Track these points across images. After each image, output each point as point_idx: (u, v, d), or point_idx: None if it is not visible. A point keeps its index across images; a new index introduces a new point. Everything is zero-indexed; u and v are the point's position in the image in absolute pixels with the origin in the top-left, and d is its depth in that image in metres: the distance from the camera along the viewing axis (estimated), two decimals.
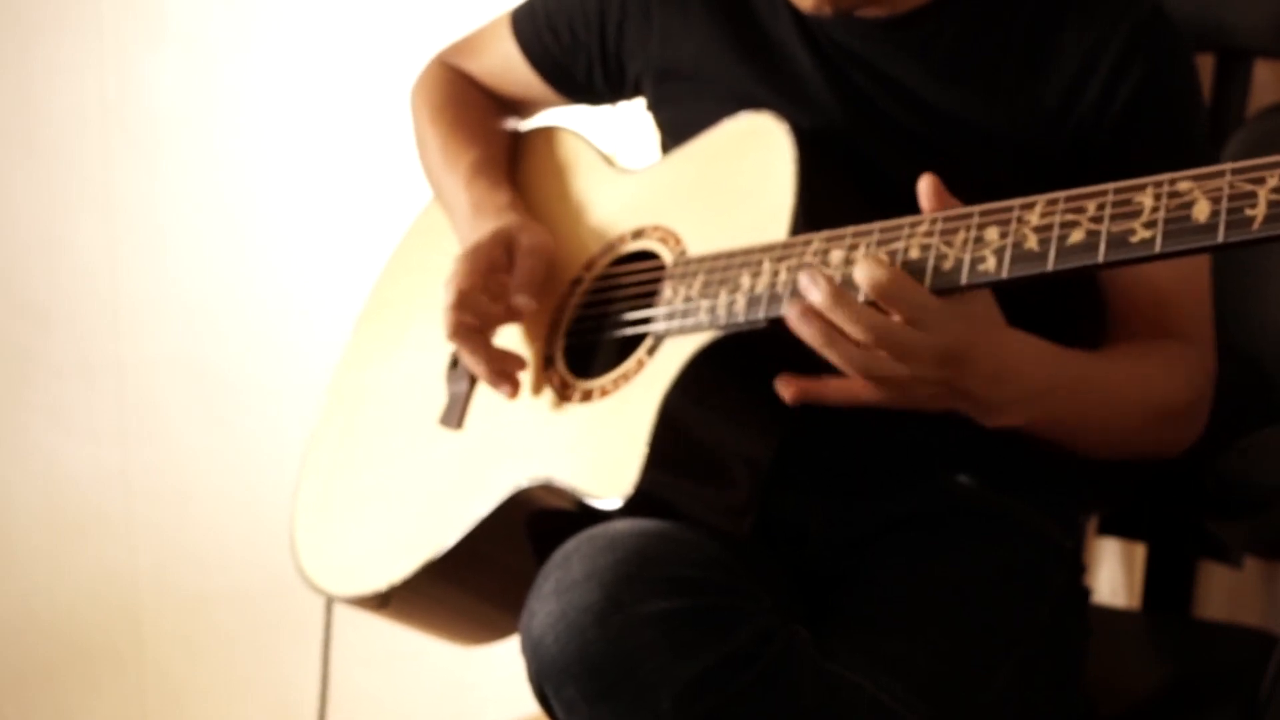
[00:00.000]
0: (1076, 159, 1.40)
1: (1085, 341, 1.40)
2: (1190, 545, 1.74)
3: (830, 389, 1.29)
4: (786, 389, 1.30)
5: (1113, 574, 1.99)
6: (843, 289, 1.25)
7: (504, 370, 1.49)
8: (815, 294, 1.25)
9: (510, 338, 1.55)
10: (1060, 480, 1.52)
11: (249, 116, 2.44)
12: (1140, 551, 1.86)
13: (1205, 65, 1.75)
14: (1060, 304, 1.42)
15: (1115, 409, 1.38)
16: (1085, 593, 1.55)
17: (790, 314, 1.27)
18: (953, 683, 1.35)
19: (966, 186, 1.29)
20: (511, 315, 1.51)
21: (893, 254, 1.26)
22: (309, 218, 2.46)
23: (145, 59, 2.41)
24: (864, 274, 1.24)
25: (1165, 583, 1.77)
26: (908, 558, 1.45)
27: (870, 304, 1.25)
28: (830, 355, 1.26)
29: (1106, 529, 1.82)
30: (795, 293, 1.29)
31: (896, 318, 1.24)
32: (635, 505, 1.35)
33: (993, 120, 1.41)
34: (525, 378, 1.52)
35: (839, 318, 1.24)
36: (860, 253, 1.28)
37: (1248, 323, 1.66)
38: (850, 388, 1.28)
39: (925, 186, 1.27)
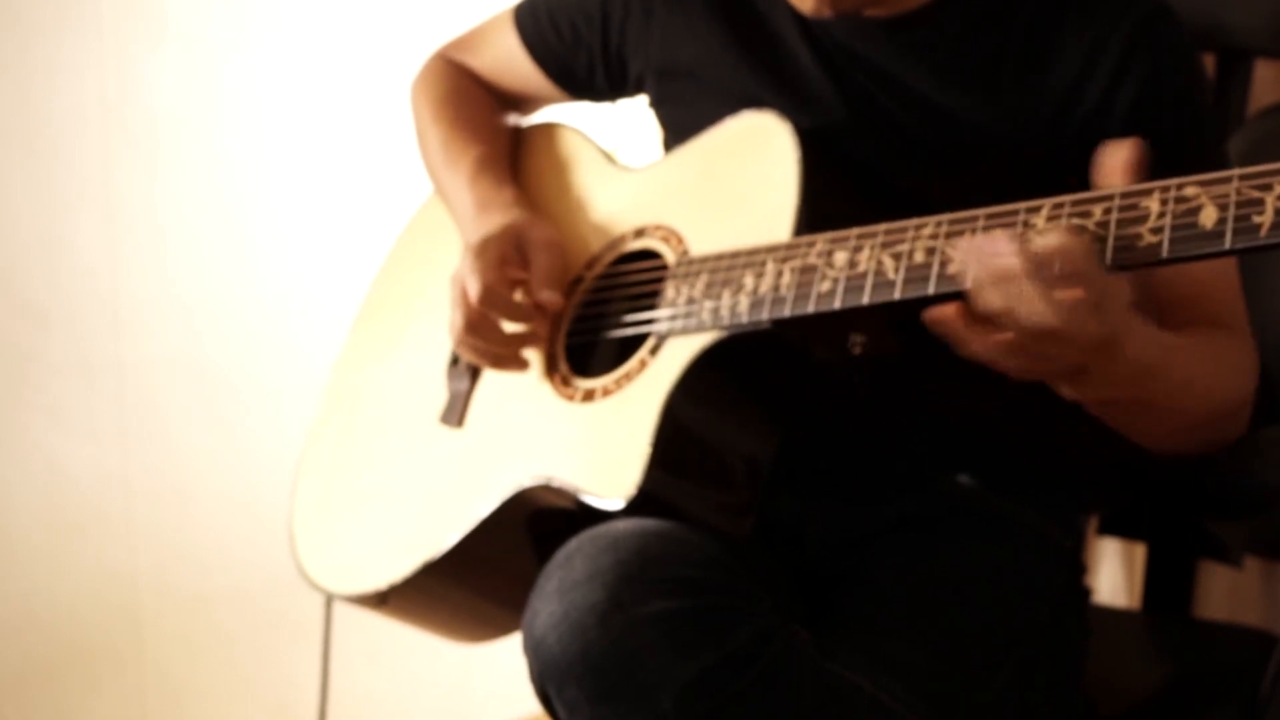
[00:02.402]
0: (1081, 159, 1.40)
1: None
2: (1190, 545, 1.74)
3: (973, 341, 1.18)
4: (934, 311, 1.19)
5: (1113, 574, 1.99)
6: (1041, 256, 1.14)
7: (517, 355, 1.49)
8: (1012, 258, 1.15)
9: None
10: (1060, 481, 1.52)
11: (249, 116, 2.44)
12: (1140, 551, 1.86)
13: (1205, 65, 1.75)
14: None
15: (1188, 395, 1.30)
16: (1085, 593, 1.55)
17: (980, 271, 1.16)
18: (953, 683, 1.35)
19: (969, 187, 1.29)
20: (535, 312, 1.50)
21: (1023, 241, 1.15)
22: (309, 218, 2.46)
23: (145, 59, 2.42)
24: (1057, 241, 1.15)
25: (1165, 583, 1.77)
26: (908, 558, 1.45)
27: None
28: (1009, 322, 1.16)
29: (1106, 529, 1.82)
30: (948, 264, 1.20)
31: (1079, 294, 1.15)
32: (637, 505, 1.35)
33: (995, 120, 1.41)
34: (527, 377, 1.52)
35: (1031, 290, 1.14)
36: (930, 241, 1.23)
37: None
38: (990, 349, 1.18)
39: (1118, 159, 1.21)
